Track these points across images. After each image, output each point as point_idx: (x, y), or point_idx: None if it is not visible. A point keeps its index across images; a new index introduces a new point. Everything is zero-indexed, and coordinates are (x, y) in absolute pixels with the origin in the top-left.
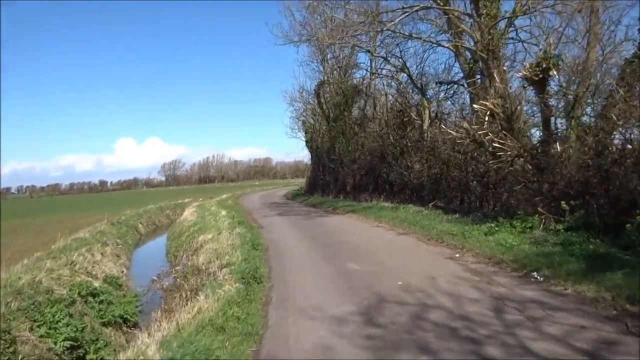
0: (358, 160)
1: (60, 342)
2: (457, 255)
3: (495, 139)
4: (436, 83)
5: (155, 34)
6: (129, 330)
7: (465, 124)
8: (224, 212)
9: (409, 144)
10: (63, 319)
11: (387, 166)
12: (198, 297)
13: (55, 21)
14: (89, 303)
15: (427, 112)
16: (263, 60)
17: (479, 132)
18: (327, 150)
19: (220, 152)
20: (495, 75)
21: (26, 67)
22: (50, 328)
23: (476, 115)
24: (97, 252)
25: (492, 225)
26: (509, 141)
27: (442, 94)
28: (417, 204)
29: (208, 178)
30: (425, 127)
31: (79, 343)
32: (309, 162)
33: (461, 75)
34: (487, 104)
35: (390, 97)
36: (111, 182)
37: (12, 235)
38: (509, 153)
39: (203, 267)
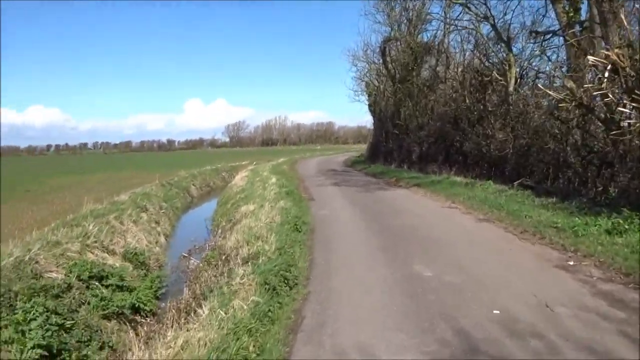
0: (426, 126)
1: (29, 350)
2: (572, 263)
3: (622, 102)
4: (530, 33)
5: None
6: (144, 321)
7: (570, 83)
8: (274, 179)
9: (490, 109)
10: (39, 316)
11: (461, 134)
12: (200, 311)
13: None
14: (92, 289)
15: (513, 70)
16: (330, 21)
17: (595, 92)
18: (391, 114)
19: (284, 114)
20: (622, 16)
21: (102, 29)
22: (17, 331)
23: (583, 74)
24: (129, 220)
25: (615, 220)
26: None
27: (532, 49)
28: (498, 181)
29: (270, 140)
30: (510, 88)
31: (56, 349)
32: (372, 128)
33: (556, 26)
34: (611, 54)
35: (468, 54)
36: (178, 141)
37: (56, 194)
38: (636, 122)
39: (229, 253)
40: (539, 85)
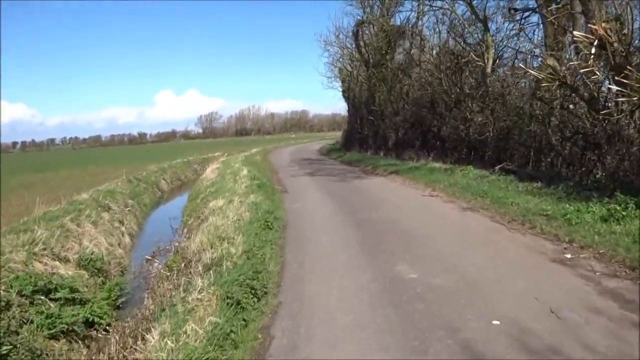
0: (402, 111)
1: None
2: (569, 256)
3: (608, 80)
4: (509, 10)
5: None
6: (100, 336)
7: (552, 61)
8: (245, 171)
9: (467, 91)
10: None
11: (439, 118)
12: (148, 337)
13: None
14: (37, 305)
15: (490, 51)
16: (303, 7)
17: (581, 70)
18: (365, 100)
19: (258, 104)
20: None
21: (68, 20)
22: None
23: (562, 52)
24: (87, 221)
25: (611, 206)
26: (633, 82)
27: (508, 28)
28: (478, 165)
29: (244, 130)
30: (488, 70)
31: None
32: (346, 115)
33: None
34: (598, 28)
35: (443, 36)
36: (150, 134)
37: (14, 194)
38: (625, 100)
39: (191, 258)
40: (520, 64)
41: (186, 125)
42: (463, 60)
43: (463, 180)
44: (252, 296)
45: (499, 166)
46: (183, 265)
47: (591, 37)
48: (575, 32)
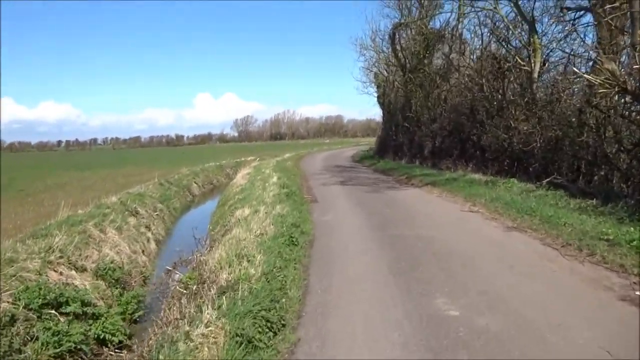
0: (439, 118)
1: None
2: None
3: None
4: (561, 9)
5: None
6: (112, 355)
7: (612, 65)
8: (275, 178)
9: (511, 98)
10: None
11: (479, 126)
12: None
13: None
14: (45, 320)
15: (538, 54)
16: (338, 11)
17: None
18: (401, 106)
19: (292, 109)
20: None
21: (112, 24)
22: None
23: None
24: (112, 226)
25: None
26: None
27: (557, 30)
28: (522, 178)
29: (279, 135)
30: (535, 75)
31: None
32: (380, 121)
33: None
34: None
35: (485, 39)
36: (187, 136)
37: (49, 193)
38: None
39: (208, 276)
40: (573, 68)
41: (222, 128)
42: (507, 64)
43: (506, 194)
44: (267, 330)
45: (547, 180)
46: (198, 283)
47: None
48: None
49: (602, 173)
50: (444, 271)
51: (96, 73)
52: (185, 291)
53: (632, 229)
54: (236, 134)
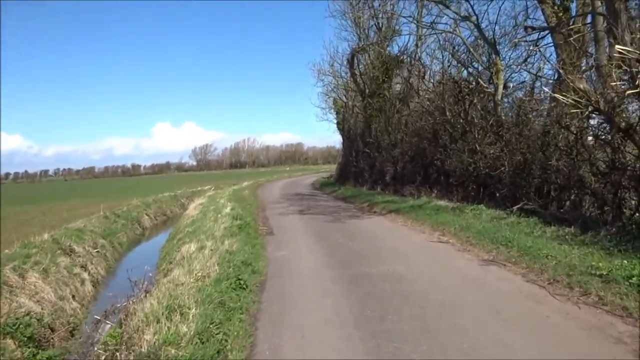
0: (400, 143)
1: None
2: None
3: None
4: (525, 28)
5: (190, 20)
6: None
7: (583, 84)
8: (228, 209)
9: (475, 120)
10: None
11: (442, 151)
12: None
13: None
14: None
15: (501, 75)
16: (301, 42)
17: (629, 92)
18: (361, 132)
19: (253, 137)
20: None
21: (67, 50)
22: None
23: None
24: (36, 270)
25: None
26: None
27: (520, 51)
28: (490, 204)
29: (239, 163)
30: (498, 97)
31: None
32: (341, 147)
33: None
34: None
35: (446, 62)
36: (144, 165)
37: None
38: None
39: (131, 336)
40: (544, 88)
41: (181, 157)
42: (470, 86)
43: (476, 222)
44: None
45: (517, 206)
46: (120, 344)
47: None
48: (617, 47)
49: (573, 198)
50: (417, 321)
51: (49, 102)
52: (103, 356)
53: (625, 261)
54: (195, 163)
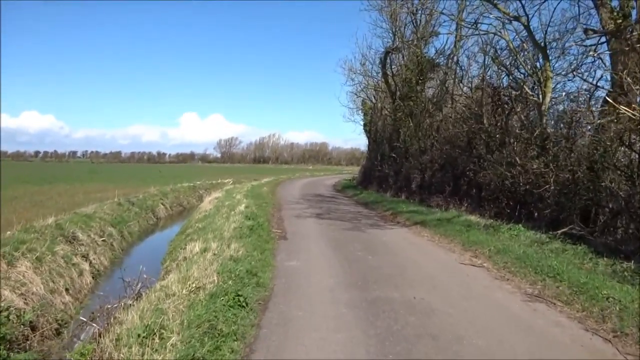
0: (430, 150)
1: None
2: None
3: None
4: (586, 31)
5: (223, 14)
6: None
7: None
8: (243, 206)
9: (517, 131)
10: None
11: (477, 161)
12: None
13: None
14: None
15: (549, 83)
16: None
17: None
18: (389, 135)
19: (278, 133)
20: None
21: (102, 38)
22: None
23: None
24: (26, 259)
25: None
26: None
27: (566, 62)
28: (528, 224)
29: (262, 158)
30: (544, 107)
31: None
32: (365, 150)
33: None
34: None
35: (487, 66)
36: (169, 154)
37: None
38: None
39: (108, 354)
40: (607, 98)
41: (206, 148)
42: (513, 93)
43: (514, 245)
44: None
45: (563, 230)
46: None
47: None
48: None
49: (633, 226)
50: None
51: (83, 86)
52: None
53: None
54: (219, 155)
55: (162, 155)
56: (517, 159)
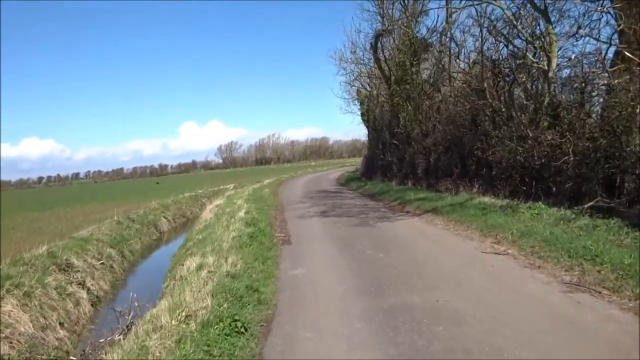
0: (433, 132)
1: None
2: None
3: None
4: None
5: (211, 20)
6: None
7: None
8: (242, 212)
9: (524, 102)
10: None
11: (484, 139)
12: None
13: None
14: None
15: (554, 47)
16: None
17: None
18: (388, 122)
19: (278, 132)
20: None
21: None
22: None
23: None
24: (12, 296)
25: None
26: None
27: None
28: (547, 201)
29: (264, 159)
30: (551, 73)
31: None
32: (366, 140)
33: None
34: None
35: (485, 37)
36: (171, 165)
37: None
38: None
39: None
40: (627, 53)
41: (207, 155)
42: (516, 62)
43: (538, 225)
44: None
45: (590, 204)
46: None
47: None
48: None
49: None
50: None
51: (80, 106)
52: None
53: None
54: (220, 161)
55: (164, 167)
56: (529, 131)
